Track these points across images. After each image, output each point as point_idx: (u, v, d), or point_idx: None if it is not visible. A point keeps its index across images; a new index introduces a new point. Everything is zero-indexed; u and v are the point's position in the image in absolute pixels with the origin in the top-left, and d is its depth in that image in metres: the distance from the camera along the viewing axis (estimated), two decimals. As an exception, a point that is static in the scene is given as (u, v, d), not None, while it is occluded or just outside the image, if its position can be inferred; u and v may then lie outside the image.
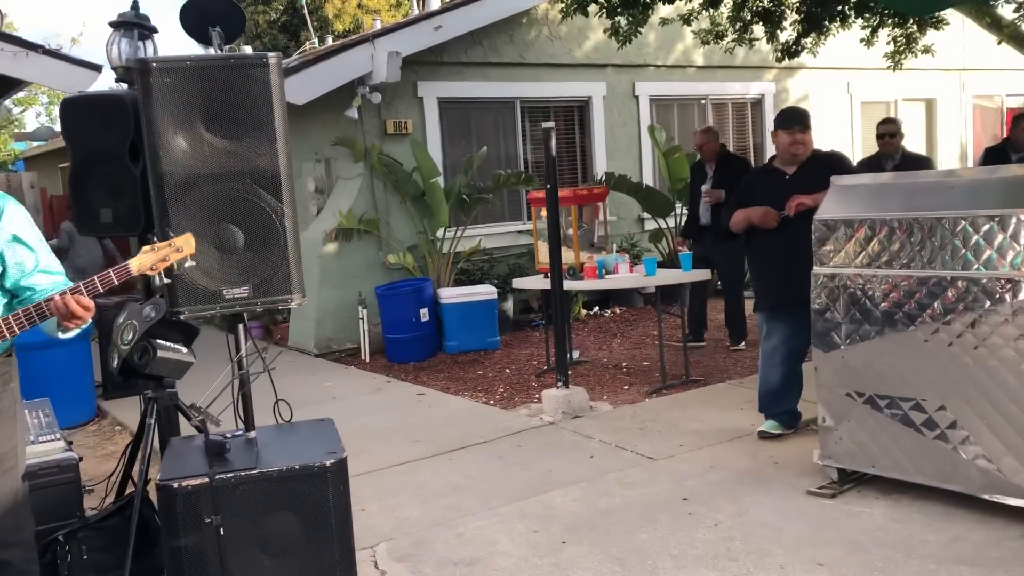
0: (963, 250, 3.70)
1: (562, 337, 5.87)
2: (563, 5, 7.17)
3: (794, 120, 4.84)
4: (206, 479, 2.90)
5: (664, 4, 7.26)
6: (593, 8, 7.05)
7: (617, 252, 7.06)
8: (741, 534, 3.76)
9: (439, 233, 8.75)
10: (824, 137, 11.99)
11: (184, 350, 3.50)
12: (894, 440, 3.97)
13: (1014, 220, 3.54)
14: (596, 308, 9.80)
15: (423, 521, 4.19)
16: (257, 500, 3.02)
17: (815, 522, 3.83)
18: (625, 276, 6.44)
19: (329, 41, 15.42)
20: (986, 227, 3.62)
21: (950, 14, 9.23)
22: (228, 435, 3.28)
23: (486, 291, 8.28)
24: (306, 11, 18.56)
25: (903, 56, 8.78)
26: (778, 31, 8.29)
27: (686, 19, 8.04)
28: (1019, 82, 14.62)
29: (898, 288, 3.89)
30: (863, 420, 4.06)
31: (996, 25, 11.33)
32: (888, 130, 6.92)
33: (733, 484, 4.37)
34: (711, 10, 8.03)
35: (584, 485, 4.51)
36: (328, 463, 3.09)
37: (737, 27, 8.28)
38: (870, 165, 6.71)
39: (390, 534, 4.05)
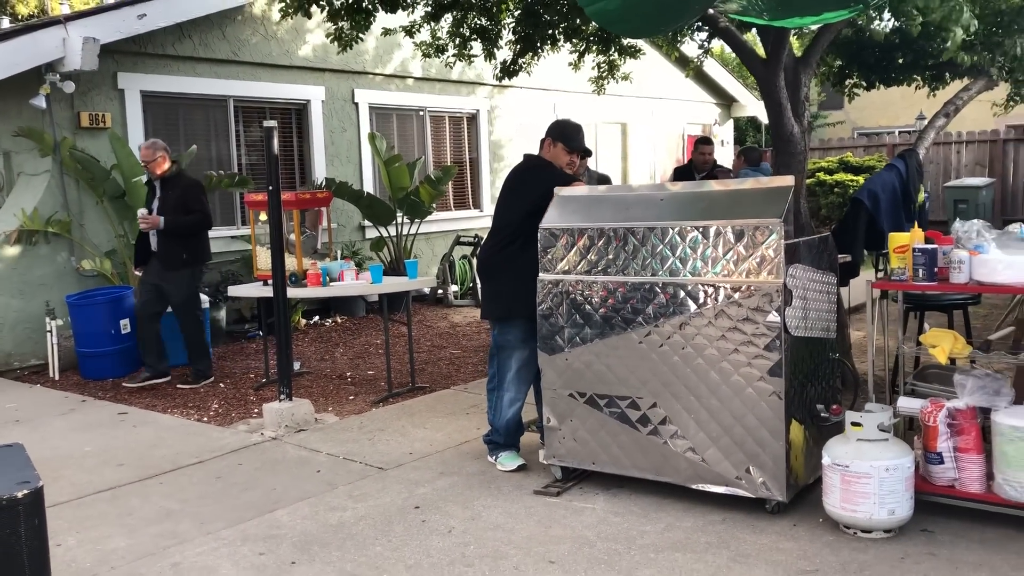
0: (671, 258, 3.99)
1: (285, 347, 5.61)
2: (282, 4, 6.89)
3: (582, 148, 4.71)
4: None
5: (386, 13, 7.22)
6: (315, 10, 6.85)
7: (342, 259, 6.89)
8: (475, 538, 3.78)
9: (142, 237, 8.05)
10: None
11: None
12: (612, 437, 4.20)
13: (713, 230, 3.89)
14: (316, 317, 9.54)
15: (132, 552, 3.78)
16: (-74, 545, 2.56)
17: (544, 520, 3.95)
18: (351, 284, 6.29)
19: (5, 23, 13.74)
20: (691, 236, 3.94)
21: (644, 47, 10.08)
22: None
23: (197, 300, 7.72)
24: (-23, -12, 16.45)
25: (605, 81, 9.42)
26: (495, 49, 8.56)
27: (409, 31, 8.05)
28: (696, 112, 16.34)
29: (615, 293, 4.12)
30: (584, 419, 4.26)
31: (683, 61, 12.56)
32: None
33: (464, 489, 4.39)
34: (432, 23, 8.12)
35: (312, 501, 4.32)
36: (19, 494, 2.68)
37: (457, 42, 8.43)
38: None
39: (93, 570, 3.61)
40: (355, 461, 4.91)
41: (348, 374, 7.23)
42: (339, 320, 9.63)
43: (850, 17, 4.59)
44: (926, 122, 6.96)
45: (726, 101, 17.00)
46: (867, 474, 3.52)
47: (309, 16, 6.65)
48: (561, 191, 4.42)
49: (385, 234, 10.16)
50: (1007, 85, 7.88)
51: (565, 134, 4.73)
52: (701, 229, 3.91)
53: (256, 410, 6.13)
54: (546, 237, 4.29)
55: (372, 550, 3.71)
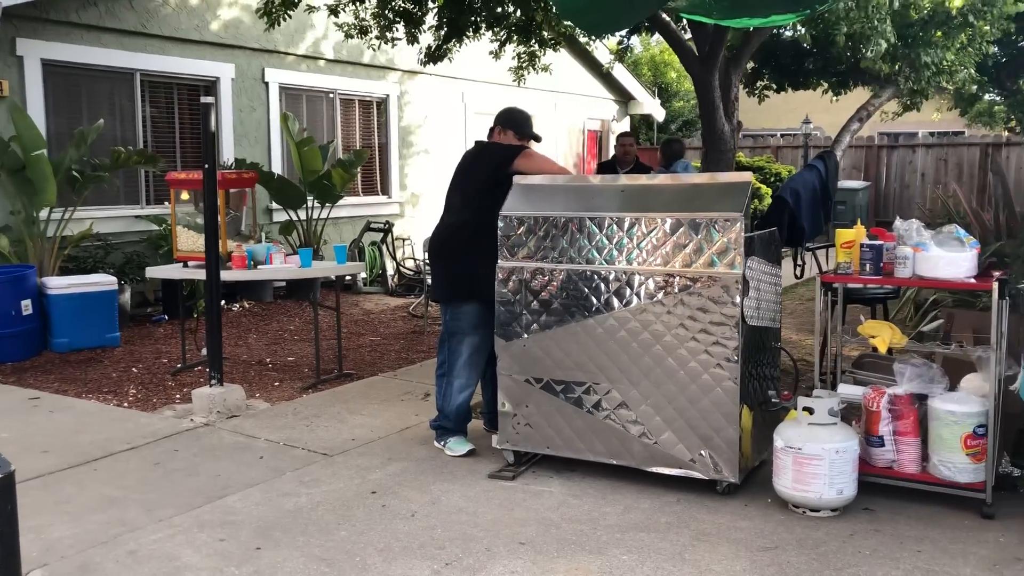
0: (633, 247, 4.10)
1: (217, 331, 5.44)
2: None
3: (532, 135, 4.80)
4: None
5: (315, -10, 7.08)
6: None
7: (268, 242, 6.72)
8: (440, 522, 3.80)
9: (43, 214, 7.63)
10: (440, 142, 12.61)
11: None
12: (568, 422, 4.28)
13: (675, 221, 4.01)
14: (223, 302, 9.23)
15: (81, 541, 3.62)
16: None
17: (505, 504, 3.99)
18: (280, 267, 6.15)
19: None
20: (654, 227, 4.05)
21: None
22: None
23: (105, 281, 7.39)
24: None
25: (526, 71, 9.50)
26: (417, 32, 8.52)
27: (333, 10, 7.91)
28: (596, 107, 16.64)
29: (575, 281, 4.20)
30: (540, 404, 4.33)
31: (593, 63, 12.77)
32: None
33: (417, 474, 4.39)
34: (357, 4, 8.00)
35: (263, 487, 4.23)
36: (-7, 479, 2.55)
37: (381, 24, 8.34)
38: None
39: (42, 559, 3.45)
40: (297, 447, 4.83)
41: (268, 360, 7.07)
42: (247, 305, 9.37)
43: (797, 20, 4.82)
44: (811, 126, 7.37)
45: (624, 98, 17.39)
46: (819, 456, 3.72)
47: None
48: (521, 179, 4.46)
49: (295, 218, 9.95)
50: (897, 94, 8.42)
51: (515, 121, 4.79)
52: (663, 220, 4.04)
53: (178, 395, 5.93)
54: (507, 224, 4.33)
55: (337, 535, 3.67)
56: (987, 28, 7.02)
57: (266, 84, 10.22)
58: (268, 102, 10.27)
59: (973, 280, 3.79)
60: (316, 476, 4.38)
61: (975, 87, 9.70)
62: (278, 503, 4.03)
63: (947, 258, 3.77)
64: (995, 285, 3.70)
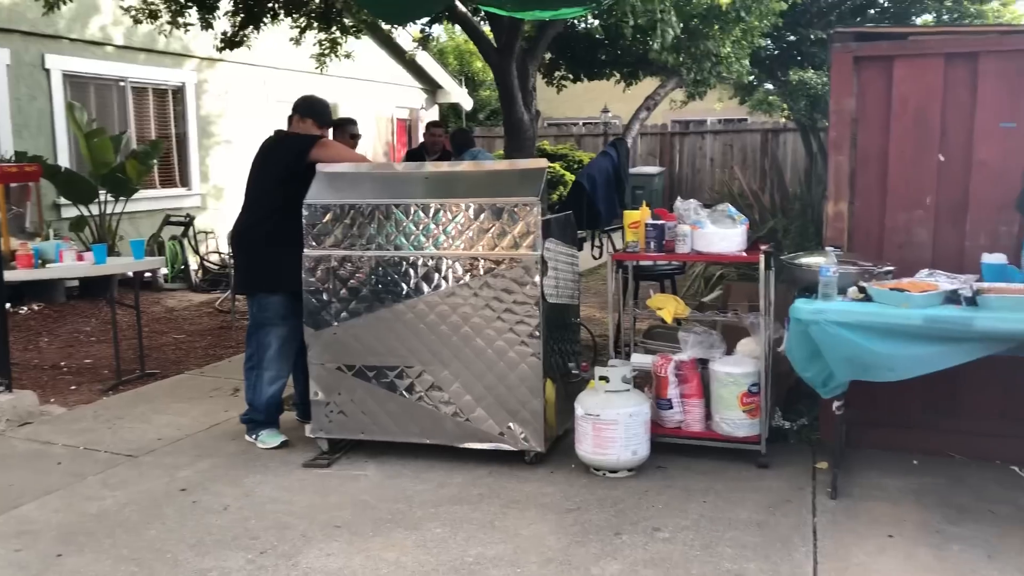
0: (438, 233, 4.23)
1: (3, 335, 5.11)
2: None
3: (332, 123, 4.88)
4: None
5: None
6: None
7: (57, 238, 6.34)
8: (254, 513, 3.79)
9: None
10: (242, 131, 12.25)
11: None
12: (381, 406, 4.36)
13: (477, 207, 4.17)
14: (8, 305, 8.60)
15: None
16: None
17: (320, 491, 4.03)
18: (73, 265, 5.83)
19: None
20: (456, 213, 4.20)
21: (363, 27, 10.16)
22: None
23: None
24: None
25: (328, 58, 9.42)
26: (212, 18, 8.25)
27: (118, -8, 7.53)
28: (405, 96, 16.68)
29: (383, 267, 4.28)
30: (353, 391, 4.38)
31: (396, 49, 12.79)
32: None
33: (228, 469, 4.34)
34: (145, -14, 7.67)
35: (62, 493, 4.05)
36: None
37: (172, 8, 8.02)
38: None
39: None
40: (99, 450, 4.64)
41: (62, 364, 6.69)
42: (36, 307, 8.77)
43: (583, 14, 5.09)
44: (610, 114, 7.79)
45: (431, 87, 17.52)
46: (615, 420, 4.01)
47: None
48: (325, 167, 4.48)
49: (86, 213, 9.39)
50: (681, 84, 9.03)
51: (315, 110, 4.78)
52: (467, 206, 4.18)
53: (-39, 406, 5.52)
54: (312, 212, 4.34)
55: (147, 534, 3.59)
56: (756, 23, 7.67)
57: (47, 71, 9.56)
58: (51, 90, 9.62)
59: (744, 253, 4.19)
60: (122, 478, 4.23)
61: (751, 77, 10.53)
62: (81, 508, 3.88)
63: (720, 234, 4.14)
64: (761, 257, 4.11)
